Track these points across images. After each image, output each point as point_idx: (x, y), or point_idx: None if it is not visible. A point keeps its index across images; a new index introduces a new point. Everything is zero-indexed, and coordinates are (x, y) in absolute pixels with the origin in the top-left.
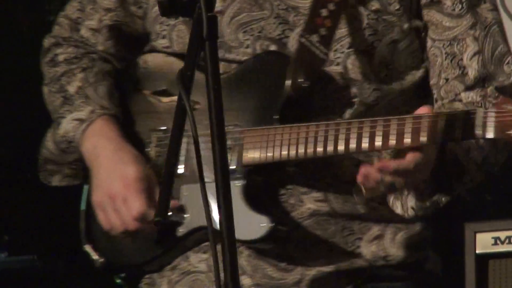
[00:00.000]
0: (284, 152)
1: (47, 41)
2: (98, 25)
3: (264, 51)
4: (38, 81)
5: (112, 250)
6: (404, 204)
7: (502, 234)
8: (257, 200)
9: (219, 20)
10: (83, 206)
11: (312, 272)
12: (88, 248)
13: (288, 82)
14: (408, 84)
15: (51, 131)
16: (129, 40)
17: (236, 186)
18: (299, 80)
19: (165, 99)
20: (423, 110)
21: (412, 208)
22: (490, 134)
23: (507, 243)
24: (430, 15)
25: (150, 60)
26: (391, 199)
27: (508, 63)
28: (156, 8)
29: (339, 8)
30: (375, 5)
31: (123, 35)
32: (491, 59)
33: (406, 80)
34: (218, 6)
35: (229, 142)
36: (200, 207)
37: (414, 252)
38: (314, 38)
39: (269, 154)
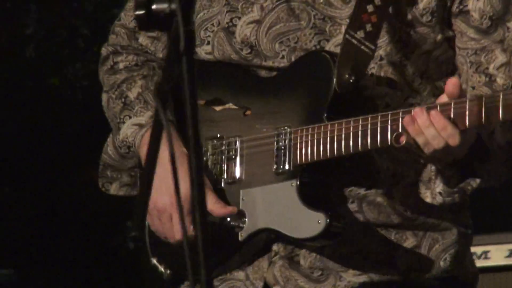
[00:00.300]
0: (336, 148)
1: (105, 50)
2: (157, 33)
3: (311, 51)
4: (16, 90)
5: (175, 261)
6: (432, 191)
7: (479, 249)
8: (313, 198)
9: (256, 29)
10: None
11: (344, 282)
12: (154, 261)
13: (334, 79)
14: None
15: (112, 137)
16: None
17: (292, 186)
18: (345, 77)
19: (218, 108)
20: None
21: (440, 193)
22: None
23: (484, 258)
24: (457, 24)
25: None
26: (422, 189)
27: None
28: (201, 14)
29: (385, 2)
30: (408, 16)
31: None
32: None
33: (440, 88)
34: (256, 15)
35: (281, 143)
36: (259, 210)
37: (450, 265)
38: (360, 34)
39: (322, 151)
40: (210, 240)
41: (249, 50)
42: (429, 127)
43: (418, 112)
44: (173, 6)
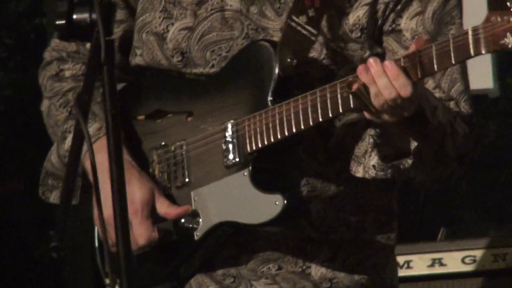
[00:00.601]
0: (287, 128)
1: (48, 54)
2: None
3: (251, 41)
4: None
5: (134, 276)
6: (366, 165)
7: (401, 259)
8: (268, 183)
9: (188, 36)
10: (96, 244)
11: None
12: (108, 281)
13: (276, 63)
14: None
15: (54, 146)
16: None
17: (245, 175)
18: (287, 60)
19: (160, 119)
20: (412, 47)
21: (374, 166)
22: (484, 49)
23: (406, 268)
24: (388, 42)
25: (136, 85)
26: (354, 166)
27: (465, 100)
28: (143, 17)
29: None
30: (338, 31)
31: (129, 45)
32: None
33: None
34: (189, 22)
35: (229, 137)
36: (213, 206)
37: (365, 278)
38: (302, 19)
39: (272, 134)
40: (168, 243)
41: (180, 58)
42: (381, 76)
43: (372, 62)
44: (94, 16)
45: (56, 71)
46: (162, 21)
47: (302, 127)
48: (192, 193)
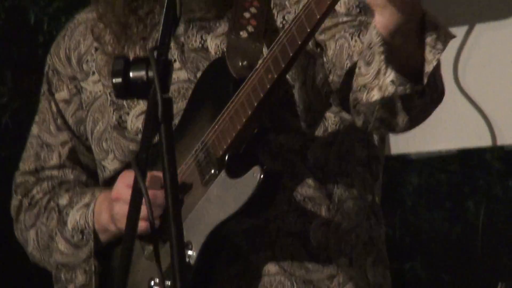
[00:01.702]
0: (248, 107)
1: (14, 202)
2: (59, 160)
3: (202, 71)
4: None
5: None
6: (382, 84)
7: None
8: (243, 169)
9: None
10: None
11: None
12: None
13: (230, 71)
14: None
15: (58, 236)
16: (90, 171)
17: (222, 176)
18: (238, 64)
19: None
20: None
21: (392, 81)
22: None
23: None
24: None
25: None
26: (364, 94)
27: None
28: (97, 127)
29: (261, 8)
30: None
31: (84, 165)
32: None
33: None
34: (143, 106)
35: (199, 156)
36: (198, 227)
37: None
38: (243, 34)
39: (233, 127)
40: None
41: None
42: None
43: None
44: (150, 74)
45: (28, 203)
46: (113, 113)
47: (255, 104)
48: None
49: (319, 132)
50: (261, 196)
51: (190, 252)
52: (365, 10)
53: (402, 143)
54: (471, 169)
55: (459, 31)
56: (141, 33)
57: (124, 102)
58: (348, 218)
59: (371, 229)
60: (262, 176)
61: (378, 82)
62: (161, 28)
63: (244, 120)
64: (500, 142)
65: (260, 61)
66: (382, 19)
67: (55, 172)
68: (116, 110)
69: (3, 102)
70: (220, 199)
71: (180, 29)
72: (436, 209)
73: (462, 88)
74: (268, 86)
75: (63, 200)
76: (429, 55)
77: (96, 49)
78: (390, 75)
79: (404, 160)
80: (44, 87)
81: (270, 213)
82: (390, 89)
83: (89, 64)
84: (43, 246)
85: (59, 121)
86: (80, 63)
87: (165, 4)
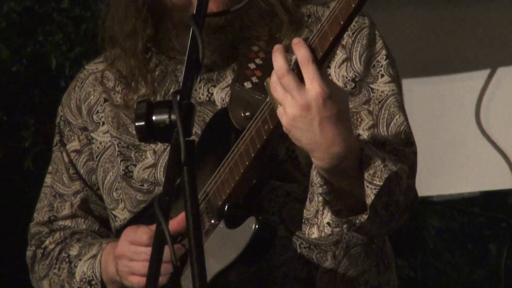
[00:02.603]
0: (240, 168)
1: (29, 253)
2: (71, 210)
3: (205, 124)
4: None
5: None
6: (320, 224)
7: None
8: (240, 220)
9: (153, 172)
10: None
11: None
12: None
13: (231, 117)
14: None
15: None
16: (102, 220)
17: (221, 227)
18: (241, 114)
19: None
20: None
21: (328, 223)
22: None
23: None
24: None
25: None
26: (307, 228)
27: (404, 132)
28: (108, 178)
29: (267, 59)
30: None
31: (97, 214)
32: (387, 131)
33: None
34: (151, 160)
35: (203, 208)
36: None
37: None
38: (247, 85)
39: (232, 180)
40: None
41: (149, 183)
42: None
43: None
44: (173, 117)
45: (41, 254)
46: (120, 163)
47: (253, 155)
48: (181, 280)
49: None
50: (256, 246)
51: None
52: (361, 84)
53: (424, 186)
54: (493, 212)
55: (481, 74)
56: (149, 87)
57: (132, 155)
58: (355, 264)
59: (380, 275)
60: (257, 226)
61: (317, 221)
62: (183, 71)
63: (241, 171)
64: None
65: (258, 112)
66: (315, 161)
67: (67, 222)
68: (123, 161)
69: (25, 146)
70: (219, 250)
71: None
72: (458, 251)
73: (484, 131)
74: (265, 137)
75: (74, 251)
76: (367, 190)
77: (106, 100)
78: (327, 217)
79: (426, 202)
80: (56, 138)
81: (276, 259)
82: (327, 231)
83: (99, 115)
84: None
85: (71, 171)
86: (90, 114)
87: (188, 48)
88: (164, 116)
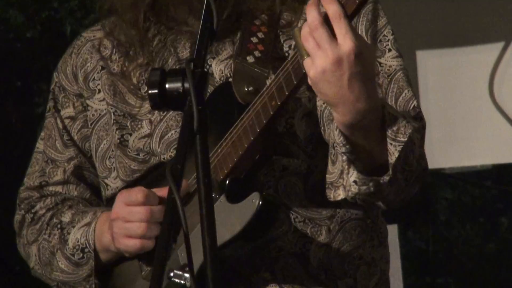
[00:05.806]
0: (244, 143)
1: (17, 217)
2: (64, 176)
3: (209, 94)
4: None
5: None
6: (346, 184)
7: None
8: (242, 194)
9: (148, 142)
10: None
11: None
12: None
13: (236, 96)
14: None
15: (59, 254)
16: (94, 188)
17: (221, 202)
18: (244, 89)
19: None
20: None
21: (355, 181)
22: None
23: None
24: None
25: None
26: (331, 192)
27: (413, 107)
28: (102, 146)
29: (269, 34)
30: None
31: (89, 182)
32: (395, 105)
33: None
34: (146, 130)
35: None
36: (195, 251)
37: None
38: (250, 59)
39: (234, 155)
40: None
41: (145, 153)
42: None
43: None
44: (186, 85)
45: (30, 218)
46: (116, 132)
47: (258, 130)
48: (178, 252)
49: (320, 158)
50: (259, 222)
51: (187, 275)
52: None
53: (436, 158)
54: (506, 185)
55: (495, 47)
56: (147, 57)
57: (128, 124)
58: (350, 238)
59: (374, 250)
60: (260, 202)
61: (343, 182)
62: (197, 40)
63: (246, 146)
64: None
65: (264, 88)
66: (338, 117)
67: (59, 188)
68: (119, 129)
69: (39, 112)
70: (219, 224)
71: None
72: (469, 224)
73: (498, 104)
74: (271, 113)
75: (66, 218)
76: (390, 147)
77: (102, 68)
78: (353, 175)
79: (438, 174)
80: (50, 104)
81: (271, 233)
82: (353, 189)
83: (95, 83)
84: (45, 262)
85: (65, 137)
86: (86, 81)
87: (202, 17)
88: (178, 84)
